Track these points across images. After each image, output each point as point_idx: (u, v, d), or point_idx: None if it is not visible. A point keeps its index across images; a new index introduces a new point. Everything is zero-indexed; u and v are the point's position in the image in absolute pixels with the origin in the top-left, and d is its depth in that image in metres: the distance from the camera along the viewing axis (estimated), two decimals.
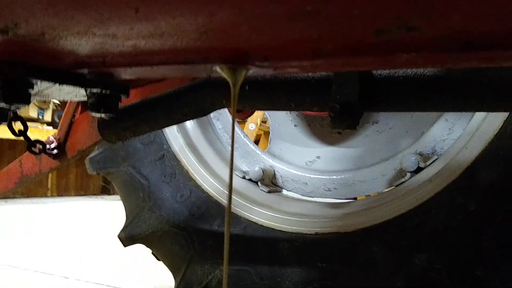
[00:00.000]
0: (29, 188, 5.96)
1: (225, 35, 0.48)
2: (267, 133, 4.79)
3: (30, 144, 1.38)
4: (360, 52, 0.46)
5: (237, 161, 1.75)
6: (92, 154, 1.71)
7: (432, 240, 1.15)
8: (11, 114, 0.99)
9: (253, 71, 0.56)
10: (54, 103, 5.77)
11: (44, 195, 6.23)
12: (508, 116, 1.06)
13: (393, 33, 0.42)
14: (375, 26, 0.42)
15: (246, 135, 1.82)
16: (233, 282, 1.40)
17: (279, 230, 1.40)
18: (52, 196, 6.33)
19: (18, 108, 0.69)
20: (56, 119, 6.06)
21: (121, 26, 0.49)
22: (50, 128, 5.80)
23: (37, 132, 5.07)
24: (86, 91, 0.73)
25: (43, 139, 1.42)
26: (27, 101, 0.67)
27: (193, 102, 0.91)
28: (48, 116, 5.89)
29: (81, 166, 6.25)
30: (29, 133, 1.35)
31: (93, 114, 0.78)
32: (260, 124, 4.27)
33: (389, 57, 0.46)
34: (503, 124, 1.08)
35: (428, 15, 0.38)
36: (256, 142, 4.89)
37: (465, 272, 1.11)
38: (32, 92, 0.68)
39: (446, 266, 1.13)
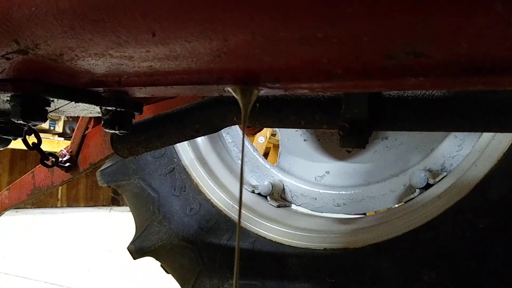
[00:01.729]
0: (40, 198, 6.00)
1: (238, 58, 0.49)
2: (276, 146, 4.80)
3: (43, 157, 1.40)
4: (369, 76, 0.47)
5: (247, 176, 1.76)
6: (103, 167, 1.73)
7: (442, 257, 1.15)
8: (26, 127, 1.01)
9: (264, 91, 0.57)
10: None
11: (54, 205, 6.27)
12: None
13: (401, 58, 0.43)
14: (383, 51, 0.43)
15: (256, 149, 1.83)
16: None
17: (288, 245, 1.40)
18: (62, 206, 6.36)
19: (35, 125, 0.71)
20: (68, 130, 6.12)
21: (137, 48, 0.50)
22: (61, 139, 5.85)
23: (48, 143, 5.12)
24: (101, 108, 0.75)
25: (54, 150, 1.45)
26: (44, 118, 0.69)
27: (205, 119, 0.93)
28: (59, 127, 5.95)
29: (91, 177, 6.29)
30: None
31: (108, 130, 0.79)
32: (270, 138, 4.28)
33: (397, 80, 0.47)
34: None
35: (435, 42, 0.39)
36: (265, 155, 4.90)
37: None
38: (49, 109, 0.70)
39: (455, 283, 1.12)
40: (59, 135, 6.02)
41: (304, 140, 1.77)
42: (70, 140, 1.49)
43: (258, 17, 0.40)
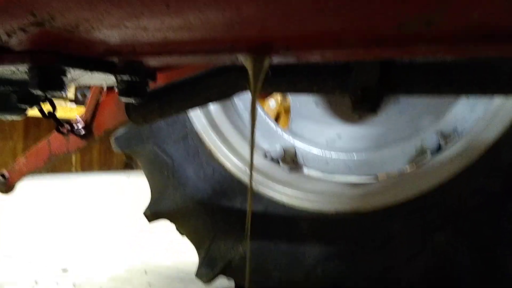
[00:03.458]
0: (54, 164, 6.08)
1: (250, 27, 0.50)
2: (287, 110, 4.79)
3: (59, 125, 1.42)
4: (382, 44, 0.48)
5: (259, 140, 1.77)
6: (117, 133, 1.75)
7: (453, 220, 1.17)
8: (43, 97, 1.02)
9: (276, 60, 0.58)
10: None
11: (68, 170, 6.37)
12: None
13: (413, 27, 0.43)
14: (396, 20, 0.43)
15: (267, 114, 1.84)
16: (255, 258, 1.43)
17: (300, 208, 1.42)
18: (76, 171, 6.47)
19: (53, 96, 0.72)
20: (79, 96, 6.15)
21: (152, 19, 0.51)
22: (74, 105, 5.89)
23: (61, 109, 5.16)
24: (116, 78, 0.76)
25: (67, 116, 1.47)
26: (60, 88, 0.71)
27: (217, 85, 0.93)
28: (71, 94, 5.98)
29: (105, 142, 6.35)
30: None
31: (123, 99, 0.81)
32: (281, 102, 4.27)
33: (409, 48, 0.47)
34: None
35: (447, 11, 0.40)
36: (277, 118, 4.90)
37: (485, 252, 1.13)
38: (66, 79, 0.71)
39: (466, 246, 1.14)
40: (71, 101, 6.06)
41: (316, 104, 1.77)
42: (82, 105, 1.51)
43: None
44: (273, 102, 4.10)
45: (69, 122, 1.46)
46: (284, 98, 4.23)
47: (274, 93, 1.50)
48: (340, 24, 0.46)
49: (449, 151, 1.33)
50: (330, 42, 0.50)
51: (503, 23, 0.41)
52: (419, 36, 0.45)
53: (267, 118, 1.81)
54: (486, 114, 1.26)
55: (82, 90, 6.09)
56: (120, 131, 1.75)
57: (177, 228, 1.72)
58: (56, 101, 1.24)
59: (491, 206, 1.11)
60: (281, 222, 1.44)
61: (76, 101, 6.10)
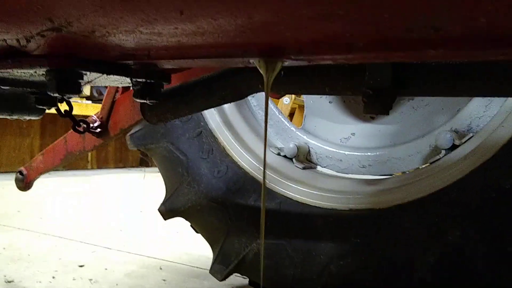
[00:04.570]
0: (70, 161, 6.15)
1: (262, 33, 0.51)
2: (301, 107, 4.79)
3: (75, 124, 1.45)
4: (391, 48, 0.48)
5: (272, 138, 1.78)
6: (132, 131, 1.77)
7: (467, 217, 1.16)
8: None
9: (288, 63, 0.59)
10: None
11: (85, 167, 6.45)
12: None
13: (421, 32, 0.44)
14: (404, 25, 0.44)
15: (281, 112, 1.84)
16: (269, 255, 1.45)
17: (314, 206, 1.43)
18: (92, 168, 6.54)
19: (69, 97, 0.74)
20: (95, 93, 6.22)
21: (166, 26, 0.52)
22: (89, 102, 5.96)
23: (77, 107, 5.22)
24: (131, 80, 0.78)
25: (83, 113, 1.49)
26: (78, 91, 0.72)
27: (231, 86, 0.95)
28: (87, 90, 6.04)
29: (120, 139, 6.41)
30: None
31: (138, 100, 0.82)
32: (295, 98, 4.28)
33: (418, 52, 0.48)
34: None
35: (454, 16, 0.40)
36: (291, 115, 4.90)
37: (498, 249, 1.13)
38: (82, 82, 0.73)
39: (480, 243, 1.14)
40: (87, 98, 6.12)
41: (329, 102, 1.77)
42: (97, 103, 1.53)
43: None
44: (287, 99, 4.11)
45: (85, 120, 1.48)
46: (298, 95, 4.23)
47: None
48: (348, 30, 0.47)
49: (464, 149, 1.33)
50: (340, 46, 0.51)
51: (511, 28, 0.41)
52: (427, 40, 0.46)
53: (280, 116, 1.82)
54: (501, 112, 1.26)
55: (98, 87, 6.16)
56: (135, 128, 1.77)
57: (191, 225, 1.74)
58: (72, 99, 1.27)
59: (505, 204, 1.11)
60: (295, 220, 1.45)
61: (92, 98, 6.17)
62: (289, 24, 0.47)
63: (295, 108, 5.00)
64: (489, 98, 1.39)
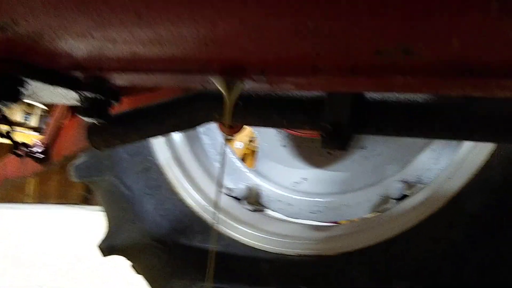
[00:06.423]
0: (7, 193, 5.87)
1: (224, 47, 0.48)
2: (253, 153, 4.79)
3: (15, 146, 1.36)
4: (358, 72, 0.47)
5: (223, 178, 1.74)
6: (76, 161, 1.69)
7: (414, 268, 1.15)
8: None
9: (248, 85, 0.56)
10: (42, 108, 5.74)
11: (22, 200, 6.14)
12: (495, 147, 1.07)
13: (391, 55, 0.42)
14: (374, 47, 0.42)
15: (234, 152, 1.82)
16: None
17: (261, 250, 1.39)
18: (31, 202, 6.24)
19: (5, 106, 0.68)
20: (43, 125, 6.02)
21: (121, 30, 0.49)
22: (36, 133, 5.75)
23: (21, 137, 5.02)
24: (80, 96, 0.73)
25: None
26: (15, 99, 0.66)
27: (185, 114, 0.91)
28: (34, 121, 5.85)
29: (63, 173, 6.18)
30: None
31: (85, 119, 0.77)
32: (248, 143, 4.28)
33: (386, 79, 0.46)
34: (489, 156, 1.09)
35: (427, 40, 0.39)
36: (243, 160, 4.89)
37: None
38: (25, 92, 0.67)
39: None
40: (34, 129, 5.92)
41: (284, 146, 1.76)
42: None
43: (251, 2, 0.39)
44: (240, 143, 4.10)
45: (26, 144, 1.40)
46: (250, 140, 4.24)
47: (241, 131, 1.48)
48: (316, 48, 0.45)
49: (413, 199, 1.33)
50: (305, 68, 0.49)
51: (484, 57, 0.40)
52: (396, 65, 0.44)
53: (233, 156, 1.79)
54: (450, 165, 1.28)
55: (45, 119, 5.97)
56: (80, 159, 1.69)
57: (132, 266, 1.64)
58: (17, 128, 1.20)
59: (453, 255, 1.10)
60: (241, 263, 1.40)
61: (39, 129, 5.96)
62: (254, 37, 0.44)
63: (248, 153, 5.00)
64: (439, 151, 1.41)
